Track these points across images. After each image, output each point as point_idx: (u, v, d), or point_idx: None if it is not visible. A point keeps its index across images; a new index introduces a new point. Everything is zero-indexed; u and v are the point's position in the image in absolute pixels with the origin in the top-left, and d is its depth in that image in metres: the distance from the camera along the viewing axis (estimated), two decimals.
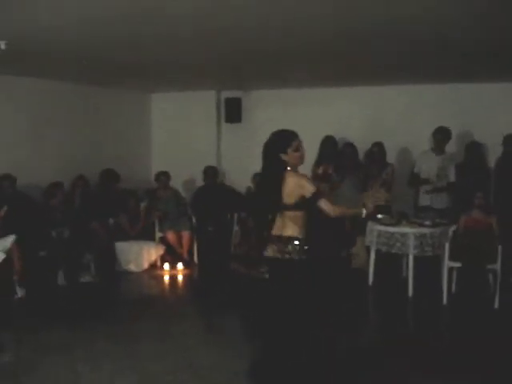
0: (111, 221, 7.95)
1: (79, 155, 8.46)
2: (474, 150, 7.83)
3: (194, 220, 8.48)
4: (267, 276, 7.37)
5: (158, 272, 7.91)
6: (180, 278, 7.76)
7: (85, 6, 4.12)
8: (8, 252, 6.31)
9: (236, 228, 8.32)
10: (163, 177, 8.62)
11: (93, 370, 4.59)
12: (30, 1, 3.95)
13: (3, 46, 5.18)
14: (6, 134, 7.47)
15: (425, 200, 7.73)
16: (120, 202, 8.17)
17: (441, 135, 7.67)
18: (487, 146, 8.04)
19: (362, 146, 8.27)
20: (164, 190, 8.61)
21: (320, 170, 8.31)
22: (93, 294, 6.88)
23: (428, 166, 7.69)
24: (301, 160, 4.12)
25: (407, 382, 4.47)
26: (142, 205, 8.44)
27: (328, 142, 8.37)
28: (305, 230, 4.04)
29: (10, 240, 6.33)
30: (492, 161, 7.99)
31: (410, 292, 6.65)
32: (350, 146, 8.27)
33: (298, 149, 4.14)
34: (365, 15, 4.43)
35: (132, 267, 7.85)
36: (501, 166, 7.79)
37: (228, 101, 9.71)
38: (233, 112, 9.67)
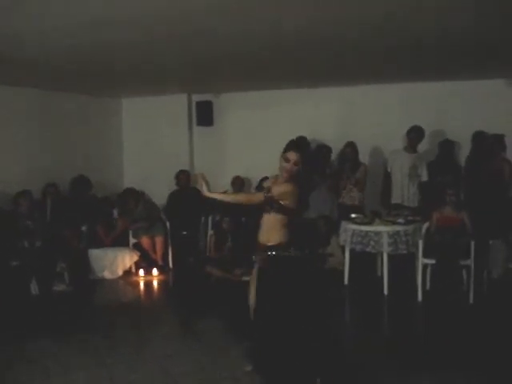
0: (84, 228, 7.86)
1: (49, 162, 8.35)
2: (446, 147, 7.93)
3: (168, 225, 8.42)
4: (244, 279, 7.42)
5: (133, 278, 7.84)
6: (155, 283, 7.71)
7: (55, 13, 4.09)
8: None
9: (211, 232, 8.28)
10: (132, 199, 8.43)
11: (68, 381, 4.51)
12: None
13: None
14: None
15: (397, 198, 7.79)
16: (92, 209, 8.08)
17: (414, 134, 7.73)
18: (459, 144, 8.13)
19: (334, 146, 8.29)
20: (135, 207, 8.42)
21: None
22: (67, 303, 6.77)
23: (400, 164, 7.76)
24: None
25: (383, 379, 4.48)
26: (115, 212, 8.35)
27: (304, 144, 8.37)
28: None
29: None
30: (463, 158, 8.07)
31: (386, 290, 6.69)
32: (324, 147, 8.30)
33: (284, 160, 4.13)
34: (333, 16, 4.44)
35: (106, 274, 7.77)
36: (470, 163, 7.88)
37: (199, 104, 9.67)
38: (204, 115, 9.64)
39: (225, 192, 4.41)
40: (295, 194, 4.05)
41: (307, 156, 7.98)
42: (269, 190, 4.07)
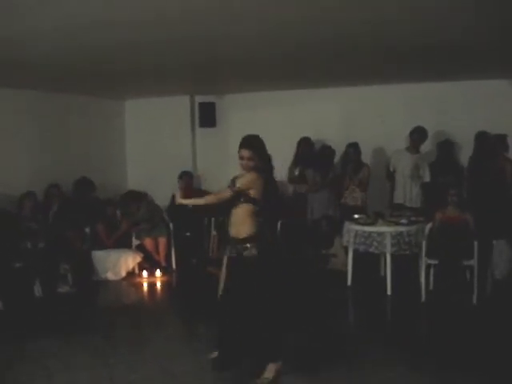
0: (87, 230, 7.87)
1: (52, 164, 8.36)
2: (445, 148, 7.94)
3: (171, 226, 8.42)
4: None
5: (136, 280, 7.85)
6: (158, 284, 7.71)
7: (56, 15, 4.09)
8: None
9: (214, 232, 8.29)
10: (133, 202, 8.41)
11: (69, 381, 4.52)
12: None
13: None
14: None
15: (399, 198, 7.78)
16: (96, 210, 8.09)
17: (418, 135, 7.73)
18: (461, 145, 8.13)
19: (337, 147, 8.29)
20: (137, 210, 8.41)
21: (297, 172, 8.39)
22: (70, 304, 6.79)
23: (402, 165, 7.77)
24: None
25: (386, 379, 4.47)
26: (119, 213, 8.36)
27: (305, 144, 8.38)
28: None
29: None
30: (466, 158, 8.05)
31: (389, 290, 6.69)
32: (327, 148, 8.31)
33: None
34: (333, 16, 4.44)
35: (110, 276, 7.78)
36: (473, 163, 7.87)
37: (202, 105, 9.68)
38: (207, 116, 9.64)
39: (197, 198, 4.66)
40: (260, 182, 4.29)
41: (310, 157, 8.10)
42: (234, 184, 4.29)
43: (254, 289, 4.36)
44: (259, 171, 4.30)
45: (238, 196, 4.28)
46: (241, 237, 4.33)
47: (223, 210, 8.29)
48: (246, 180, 4.28)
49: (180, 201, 4.54)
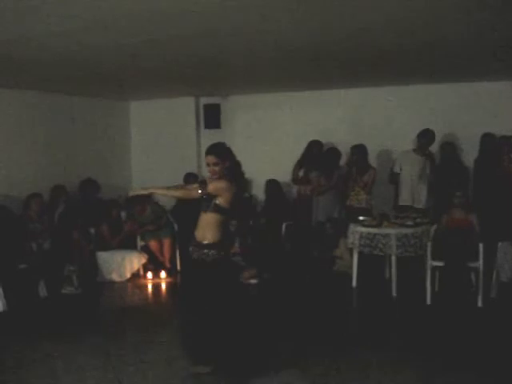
0: (92, 231, 7.88)
1: (58, 165, 8.38)
2: (448, 149, 7.94)
3: (175, 227, 8.42)
4: (252, 281, 7.42)
5: (141, 281, 7.85)
6: (163, 286, 7.71)
7: (62, 16, 4.10)
8: None
9: None
10: (138, 204, 8.35)
11: (75, 383, 4.52)
12: (5, 12, 3.91)
13: None
14: None
15: (407, 200, 7.77)
16: (101, 211, 8.10)
17: (425, 138, 7.69)
18: (466, 146, 8.12)
19: (344, 149, 8.28)
20: (141, 212, 8.40)
21: (301, 173, 8.39)
22: (75, 306, 6.80)
23: (410, 166, 7.75)
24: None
25: (391, 380, 4.47)
26: (124, 214, 8.37)
27: (315, 147, 8.36)
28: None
29: None
30: (471, 160, 8.04)
31: (394, 292, 6.67)
32: (332, 150, 8.30)
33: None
34: (340, 17, 4.44)
35: (114, 277, 7.78)
36: (478, 165, 7.85)
37: (207, 107, 9.68)
38: (212, 118, 9.65)
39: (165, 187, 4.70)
40: (230, 191, 4.46)
41: (316, 159, 8.10)
42: (205, 185, 4.48)
43: (207, 290, 4.52)
44: (229, 179, 4.47)
45: (207, 202, 4.47)
46: (204, 242, 4.50)
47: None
48: (215, 186, 4.44)
49: (141, 191, 4.74)
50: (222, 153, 4.51)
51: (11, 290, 6.51)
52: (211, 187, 4.43)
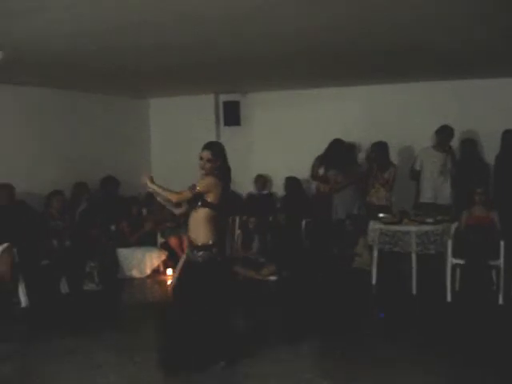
0: (113, 228, 7.94)
1: (79, 163, 8.44)
2: (468, 146, 7.88)
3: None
4: (271, 278, 7.44)
5: (161, 277, 7.90)
6: None
7: (84, 17, 4.14)
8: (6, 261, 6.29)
9: (238, 231, 8.30)
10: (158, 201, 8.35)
11: (97, 379, 4.56)
12: (29, 12, 3.95)
13: (0, 56, 5.18)
14: (5, 144, 7.47)
15: (429, 197, 7.73)
16: (121, 208, 8.16)
17: (444, 134, 7.66)
18: (488, 143, 8.04)
19: (364, 146, 8.25)
20: (162, 208, 8.42)
21: (321, 172, 8.36)
22: (96, 302, 6.87)
23: (431, 163, 7.72)
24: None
25: (410, 377, 4.46)
26: (144, 211, 8.42)
27: (335, 145, 8.31)
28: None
29: None
30: (492, 157, 7.97)
31: (414, 290, 6.64)
32: (351, 146, 8.27)
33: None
34: (359, 14, 4.43)
35: (135, 273, 7.84)
36: (500, 162, 7.78)
37: (226, 104, 9.70)
38: (231, 115, 9.66)
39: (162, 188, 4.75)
40: (218, 187, 4.56)
41: (335, 157, 8.06)
42: (194, 186, 4.55)
43: (202, 292, 4.55)
44: (217, 176, 4.58)
45: (197, 199, 4.55)
46: (198, 243, 4.57)
47: (247, 209, 8.43)
48: (204, 183, 4.55)
49: (149, 184, 4.68)
50: (217, 151, 4.65)
51: (34, 286, 6.60)
52: (200, 185, 4.54)
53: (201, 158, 4.62)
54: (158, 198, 4.85)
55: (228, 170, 4.73)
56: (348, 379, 4.48)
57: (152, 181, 4.67)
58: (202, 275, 4.57)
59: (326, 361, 4.96)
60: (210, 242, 4.57)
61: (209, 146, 4.67)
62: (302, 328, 5.66)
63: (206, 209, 4.55)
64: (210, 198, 4.54)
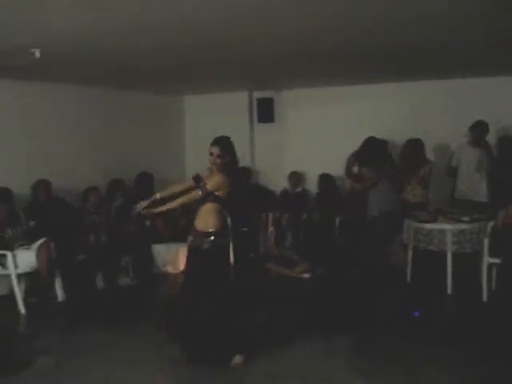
0: (148, 223, 8.02)
1: (114, 159, 8.55)
2: (505, 143, 7.76)
3: (228, 221, 8.46)
4: (304, 276, 7.42)
5: None
6: None
7: (122, 15, 4.19)
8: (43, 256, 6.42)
9: (271, 228, 8.31)
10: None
11: (132, 373, 4.62)
12: (65, 10, 4.01)
13: (38, 54, 5.26)
14: (44, 141, 7.60)
15: (465, 194, 7.63)
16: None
17: (478, 129, 7.58)
18: None
19: (399, 143, 8.17)
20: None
21: (356, 169, 8.30)
22: (131, 296, 6.95)
23: (467, 159, 7.65)
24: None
25: (444, 380, 4.40)
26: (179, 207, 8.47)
27: (371, 143, 8.23)
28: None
29: (33, 253, 6.40)
30: None
31: (449, 289, 6.56)
32: (384, 143, 8.19)
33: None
34: (395, 11, 4.39)
35: (169, 269, 7.91)
36: None
37: (260, 101, 9.70)
38: (265, 112, 9.66)
39: (160, 202, 4.92)
40: (227, 183, 4.66)
41: (368, 154, 7.98)
42: (203, 185, 4.65)
43: (213, 280, 4.66)
44: (226, 172, 4.66)
45: (205, 196, 4.64)
46: (206, 230, 4.66)
47: (281, 206, 8.43)
48: (215, 182, 4.63)
49: (155, 211, 4.89)
50: (226, 146, 4.73)
51: (70, 280, 6.72)
52: (210, 184, 4.63)
53: (211, 154, 4.69)
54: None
55: (237, 163, 4.83)
56: (386, 379, 4.44)
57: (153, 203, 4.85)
58: (209, 261, 4.68)
59: (357, 360, 4.93)
60: (218, 229, 4.67)
61: (217, 141, 4.74)
62: (333, 326, 5.63)
63: (215, 203, 4.66)
64: (219, 193, 4.64)
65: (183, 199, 4.78)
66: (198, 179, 4.82)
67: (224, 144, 4.73)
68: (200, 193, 4.64)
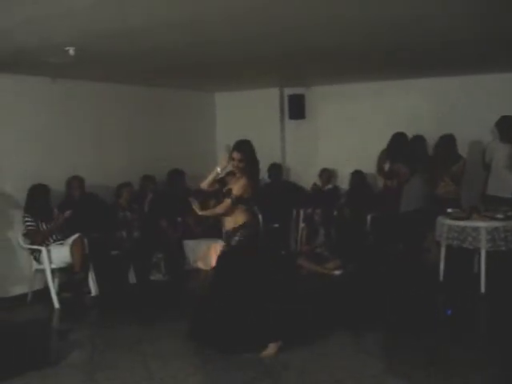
0: (179, 219, 8.07)
1: (146, 156, 8.60)
2: None
3: (259, 217, 8.48)
4: (336, 273, 7.40)
5: None
6: None
7: (151, 12, 4.21)
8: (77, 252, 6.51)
9: (302, 224, 8.30)
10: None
11: (163, 368, 4.65)
12: (96, 8, 4.05)
13: (72, 52, 5.32)
14: (76, 137, 7.67)
15: (496, 190, 7.53)
16: (187, 201, 8.27)
17: (504, 124, 7.49)
18: None
19: (432, 139, 8.07)
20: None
21: (387, 167, 8.23)
22: (163, 292, 7.02)
23: (497, 155, 7.58)
24: None
25: (480, 380, 4.35)
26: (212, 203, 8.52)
27: (399, 139, 8.17)
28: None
29: (67, 249, 6.51)
30: None
31: (483, 288, 6.46)
32: (420, 138, 8.12)
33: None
34: (431, 6, 4.34)
35: (200, 265, 7.96)
36: None
37: (291, 97, 9.67)
38: (296, 108, 9.63)
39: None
40: (250, 185, 4.91)
41: (400, 151, 7.91)
42: (230, 192, 4.88)
43: (242, 275, 4.84)
44: (248, 175, 4.91)
45: (237, 201, 4.89)
46: (232, 227, 4.92)
47: (312, 201, 8.41)
48: (239, 188, 4.87)
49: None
50: (246, 151, 4.95)
51: (103, 275, 6.81)
52: (236, 190, 4.86)
53: (233, 159, 4.91)
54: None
55: (257, 165, 5.04)
56: (417, 378, 4.40)
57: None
58: (238, 257, 4.90)
59: (389, 358, 4.89)
60: (242, 224, 4.88)
61: (238, 146, 4.96)
62: (365, 323, 5.61)
63: (241, 204, 4.91)
64: (244, 196, 4.87)
65: (217, 210, 5.05)
66: (222, 183, 5.13)
67: (244, 148, 4.95)
68: (230, 200, 4.84)
